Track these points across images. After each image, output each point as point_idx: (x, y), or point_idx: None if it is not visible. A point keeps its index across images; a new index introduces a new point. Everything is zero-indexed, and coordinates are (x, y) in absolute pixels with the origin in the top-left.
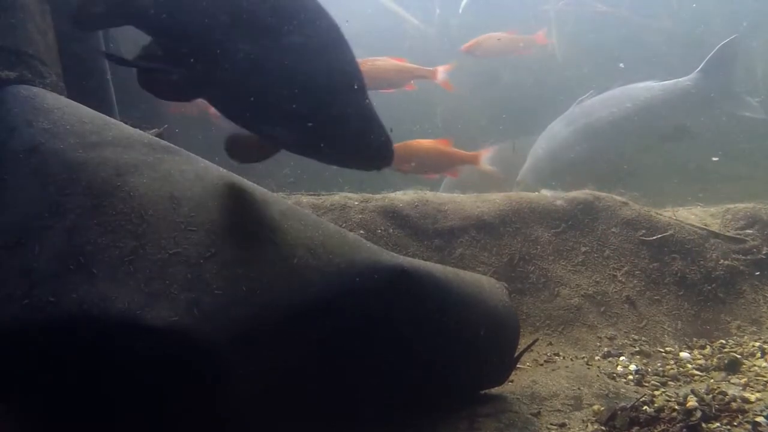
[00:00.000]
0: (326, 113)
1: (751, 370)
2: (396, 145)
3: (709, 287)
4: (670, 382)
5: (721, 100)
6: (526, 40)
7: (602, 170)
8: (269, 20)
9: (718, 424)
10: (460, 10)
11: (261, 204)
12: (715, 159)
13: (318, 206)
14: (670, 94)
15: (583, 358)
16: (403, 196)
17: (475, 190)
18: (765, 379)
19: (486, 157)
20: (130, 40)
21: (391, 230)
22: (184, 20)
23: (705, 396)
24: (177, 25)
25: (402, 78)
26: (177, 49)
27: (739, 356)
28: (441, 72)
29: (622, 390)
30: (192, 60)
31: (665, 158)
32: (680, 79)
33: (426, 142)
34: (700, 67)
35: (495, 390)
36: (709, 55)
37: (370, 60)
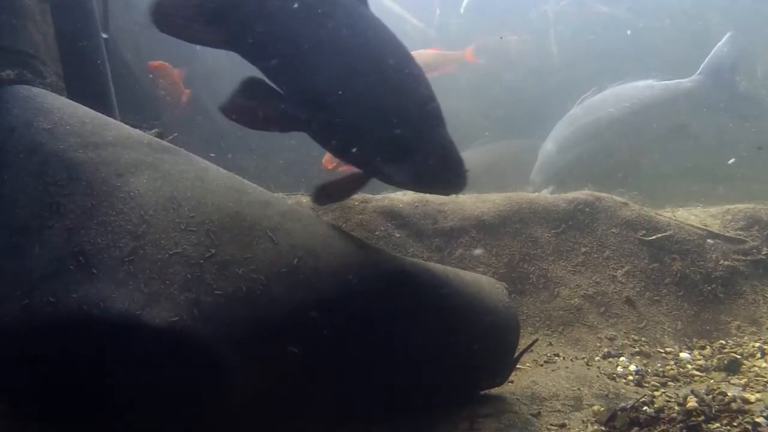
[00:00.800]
0: (418, 145)
1: (751, 370)
2: None
3: (709, 288)
4: (670, 383)
5: (723, 104)
6: (452, 56)
7: (602, 170)
8: (365, 62)
9: (718, 424)
10: (461, 10)
11: (261, 204)
12: (731, 162)
13: (318, 207)
14: (669, 93)
15: (583, 358)
16: (403, 197)
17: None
18: (765, 379)
19: None
20: (130, 39)
21: (391, 231)
22: (292, 60)
23: (705, 396)
24: (285, 65)
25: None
26: (283, 86)
27: (739, 357)
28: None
29: (622, 390)
30: (298, 97)
31: (666, 158)
32: (682, 80)
33: None
34: (701, 68)
35: (495, 390)
36: (709, 56)
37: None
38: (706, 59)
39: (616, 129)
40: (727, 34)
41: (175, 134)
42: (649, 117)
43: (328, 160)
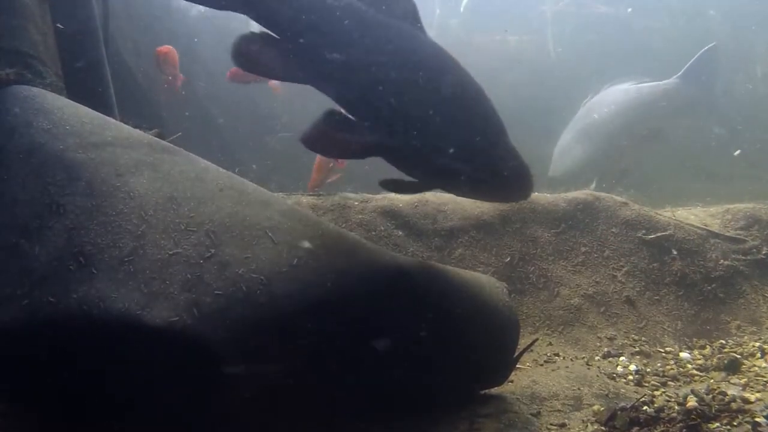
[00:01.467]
0: (488, 159)
1: (751, 370)
2: None
3: (709, 287)
4: (670, 383)
5: (697, 107)
6: None
7: (599, 170)
8: (433, 85)
9: (718, 424)
10: (461, 9)
11: (261, 204)
12: (736, 153)
13: (318, 207)
14: (646, 96)
15: (583, 358)
16: (402, 197)
17: None
18: (765, 379)
19: None
20: (130, 39)
21: (391, 230)
22: (366, 89)
23: (705, 396)
24: (369, 101)
25: None
26: (357, 114)
27: (738, 356)
28: None
29: (622, 390)
30: (373, 124)
31: (666, 158)
32: (659, 82)
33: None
34: (681, 72)
35: (495, 390)
36: (690, 62)
37: None
38: (687, 64)
39: (603, 132)
40: (711, 44)
41: (179, 133)
42: (629, 119)
43: (312, 185)
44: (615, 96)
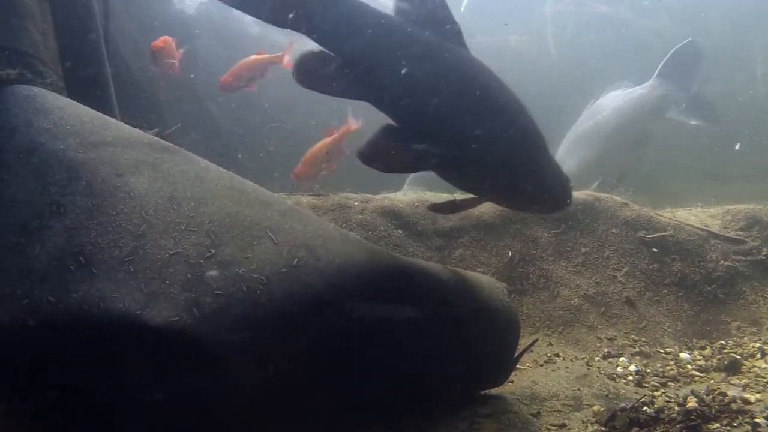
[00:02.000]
0: (530, 173)
1: (751, 371)
2: None
3: (709, 288)
4: (670, 383)
5: (674, 105)
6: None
7: (597, 173)
8: (480, 102)
9: (718, 424)
10: (461, 9)
11: (261, 204)
12: (737, 147)
13: (318, 207)
14: (631, 101)
15: (583, 358)
16: (403, 197)
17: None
18: (765, 380)
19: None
20: (130, 40)
21: (392, 230)
22: (429, 111)
23: (705, 397)
24: (423, 116)
25: (259, 68)
26: (421, 133)
27: (738, 357)
28: (284, 57)
29: (622, 391)
30: (426, 138)
31: (667, 158)
32: (637, 87)
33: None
34: (655, 73)
35: (495, 390)
36: (663, 61)
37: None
38: (660, 64)
39: (597, 137)
40: (687, 39)
41: (178, 125)
42: (618, 124)
43: (299, 175)
44: (608, 101)
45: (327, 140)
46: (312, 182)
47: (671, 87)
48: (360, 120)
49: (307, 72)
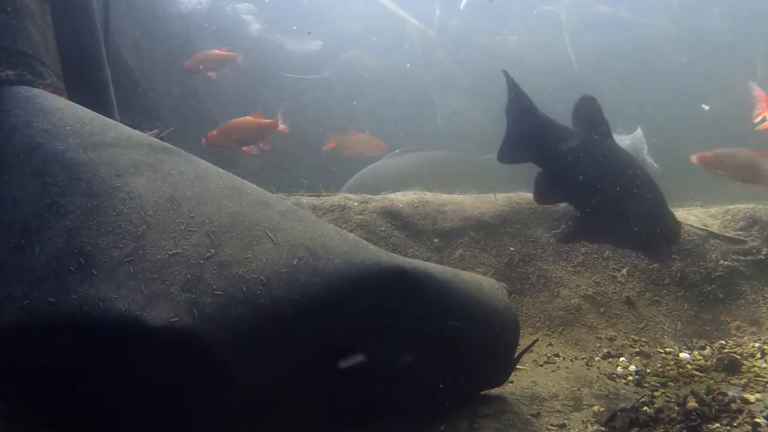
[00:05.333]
0: (658, 225)
1: (751, 370)
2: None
3: (709, 288)
4: (669, 383)
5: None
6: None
7: None
8: (624, 181)
9: (717, 424)
10: (462, 7)
11: (261, 204)
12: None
13: (318, 207)
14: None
15: (583, 358)
16: (402, 197)
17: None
18: (764, 379)
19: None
20: (130, 40)
21: (391, 231)
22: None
23: (705, 397)
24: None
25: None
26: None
27: (738, 357)
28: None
29: (622, 391)
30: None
31: (665, 158)
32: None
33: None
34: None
35: (495, 390)
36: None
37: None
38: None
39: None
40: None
41: (171, 128)
42: None
43: (209, 139)
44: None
45: (249, 118)
46: (218, 151)
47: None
48: (288, 127)
49: (542, 193)
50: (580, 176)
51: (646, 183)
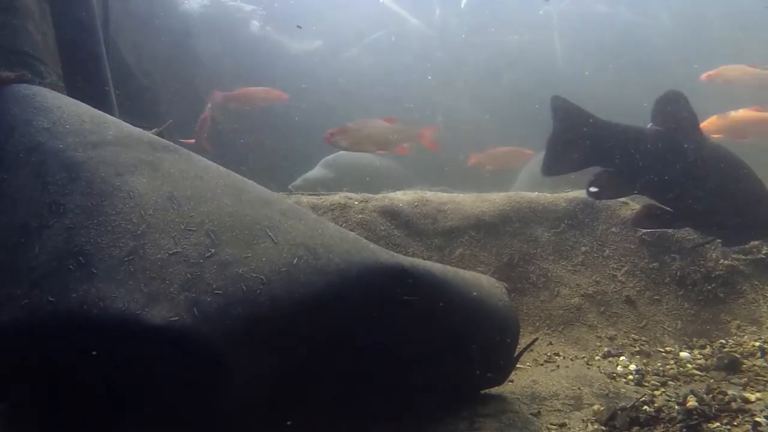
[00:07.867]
0: (759, 216)
1: (751, 369)
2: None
3: (709, 287)
4: (670, 382)
5: None
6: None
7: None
8: (727, 178)
9: (718, 423)
10: (462, 6)
11: (261, 203)
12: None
13: (318, 206)
14: None
15: (583, 357)
16: (402, 196)
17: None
18: (765, 378)
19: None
20: (130, 40)
21: (391, 230)
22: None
23: (705, 396)
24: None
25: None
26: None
27: (738, 356)
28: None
29: (622, 390)
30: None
31: None
32: None
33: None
34: None
35: (495, 390)
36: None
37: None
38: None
39: None
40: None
41: (170, 120)
42: None
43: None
44: None
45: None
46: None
47: None
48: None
49: (602, 186)
50: (666, 176)
51: (746, 177)
